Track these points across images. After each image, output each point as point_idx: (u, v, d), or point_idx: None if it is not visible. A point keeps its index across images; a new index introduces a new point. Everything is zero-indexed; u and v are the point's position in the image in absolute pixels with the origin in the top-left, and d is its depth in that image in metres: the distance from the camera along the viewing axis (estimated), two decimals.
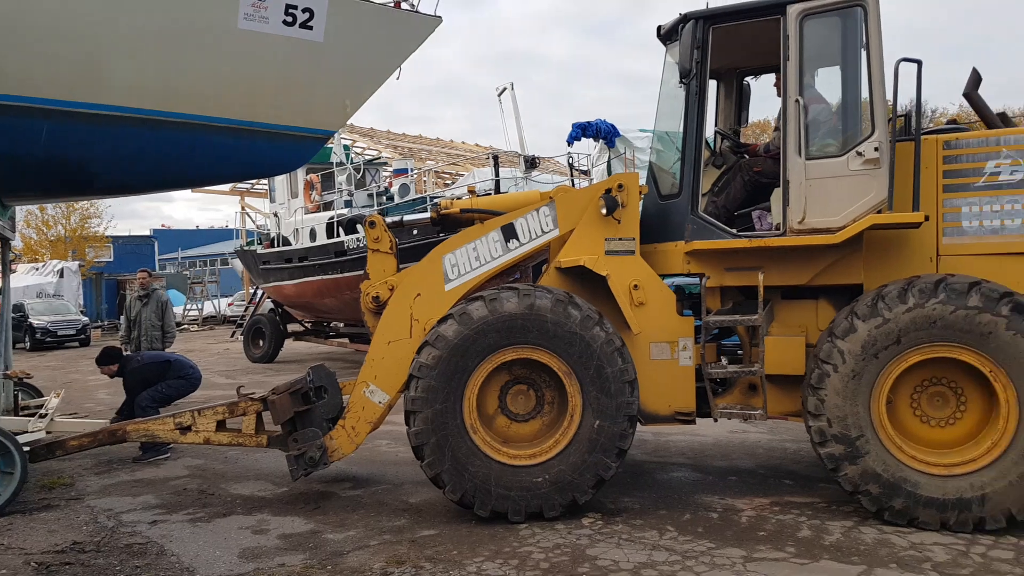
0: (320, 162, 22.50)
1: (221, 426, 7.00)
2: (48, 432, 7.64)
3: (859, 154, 5.78)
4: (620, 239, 6.31)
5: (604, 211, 6.20)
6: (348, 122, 24.71)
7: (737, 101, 7.48)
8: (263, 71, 7.74)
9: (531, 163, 16.52)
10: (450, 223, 7.17)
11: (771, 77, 7.02)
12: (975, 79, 6.39)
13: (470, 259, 6.38)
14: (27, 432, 7.35)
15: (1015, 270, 5.73)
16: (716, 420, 6.39)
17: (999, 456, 5.40)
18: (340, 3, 7.92)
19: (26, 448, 6.80)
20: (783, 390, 6.19)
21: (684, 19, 6.25)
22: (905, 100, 6.06)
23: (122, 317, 11.49)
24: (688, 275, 6.50)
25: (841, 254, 5.98)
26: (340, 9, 7.90)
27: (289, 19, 7.56)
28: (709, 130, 6.81)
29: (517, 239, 6.41)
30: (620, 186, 6.29)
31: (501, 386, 6.17)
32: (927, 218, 5.74)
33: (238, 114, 7.78)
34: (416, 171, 23.46)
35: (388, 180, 22.16)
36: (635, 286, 6.21)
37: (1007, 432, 5.39)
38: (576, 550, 5.34)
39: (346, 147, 22.84)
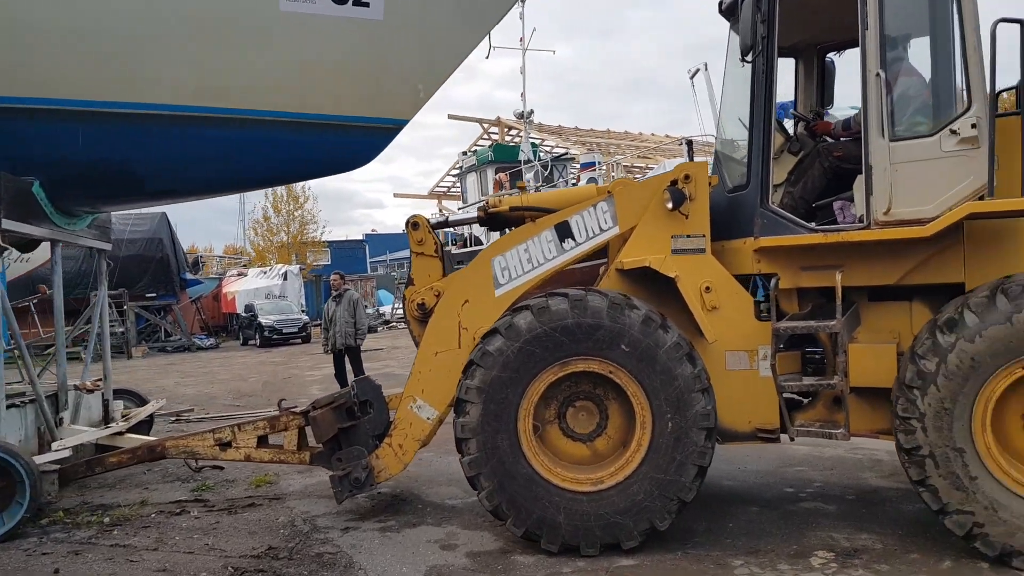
0: (509, 160, 23.02)
1: (263, 441, 6.75)
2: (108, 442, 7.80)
3: (953, 132, 4.97)
4: (689, 236, 5.71)
5: (670, 205, 5.63)
6: (536, 120, 25.11)
7: (819, 80, 6.64)
8: (315, 57, 7.02)
9: None
10: (498, 222, 6.75)
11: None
12: None
13: (521, 261, 5.93)
14: (54, 452, 7.16)
15: None
16: (792, 439, 5.68)
17: None
18: None
19: (57, 467, 6.74)
20: (870, 405, 5.41)
21: None
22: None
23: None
24: (759, 275, 5.89)
25: (936, 249, 5.15)
26: None
27: None
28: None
29: (573, 238, 5.91)
30: (687, 177, 5.70)
31: (558, 406, 5.65)
32: None
33: (292, 107, 7.13)
34: (604, 164, 23.33)
35: (576, 175, 22.28)
36: (707, 288, 5.61)
37: None
38: None
39: (534, 144, 23.19)
